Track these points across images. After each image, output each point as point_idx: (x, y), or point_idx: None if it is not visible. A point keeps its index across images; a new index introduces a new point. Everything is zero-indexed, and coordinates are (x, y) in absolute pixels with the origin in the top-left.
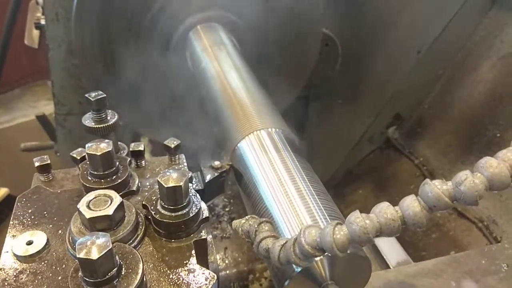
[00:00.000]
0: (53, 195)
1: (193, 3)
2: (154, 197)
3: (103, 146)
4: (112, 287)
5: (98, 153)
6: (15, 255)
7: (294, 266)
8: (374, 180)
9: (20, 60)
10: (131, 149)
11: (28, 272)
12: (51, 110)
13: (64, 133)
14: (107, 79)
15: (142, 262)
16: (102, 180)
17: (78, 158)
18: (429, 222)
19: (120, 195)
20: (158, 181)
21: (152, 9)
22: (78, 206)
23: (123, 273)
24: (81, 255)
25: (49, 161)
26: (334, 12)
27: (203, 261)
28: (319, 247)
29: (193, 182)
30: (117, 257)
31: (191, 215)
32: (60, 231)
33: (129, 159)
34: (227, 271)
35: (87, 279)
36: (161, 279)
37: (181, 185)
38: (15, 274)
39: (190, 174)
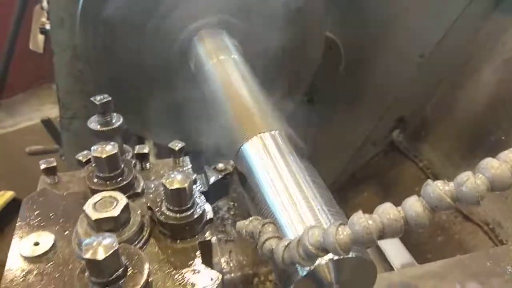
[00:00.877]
0: (59, 197)
1: (198, 8)
2: (159, 199)
3: (109, 149)
4: (118, 287)
5: (104, 156)
6: (22, 256)
7: (299, 269)
8: (378, 183)
9: (25, 65)
10: (135, 152)
11: (35, 273)
12: (56, 114)
13: (69, 136)
14: (111, 84)
15: (148, 263)
16: (108, 182)
17: (84, 160)
18: (431, 223)
19: (125, 197)
20: (162, 183)
21: (156, 14)
22: (84, 208)
23: (129, 273)
24: (88, 255)
25: (55, 164)
26: (336, 15)
27: (208, 262)
28: (322, 248)
29: (197, 184)
30: (123, 257)
31: (195, 216)
32: (66, 233)
33: (134, 161)
34: (232, 274)
35: (93, 280)
36: (166, 279)
37: (185, 187)
38: (22, 274)
39: (194, 176)
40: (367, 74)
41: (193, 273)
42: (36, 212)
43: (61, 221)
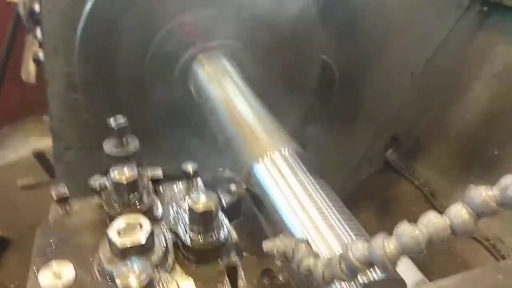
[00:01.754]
0: (76, 225)
1: (195, 33)
2: (182, 223)
3: (129, 173)
4: None
5: (125, 180)
6: None
7: None
8: (375, 204)
9: (11, 97)
10: (148, 175)
11: None
12: (44, 146)
13: (63, 168)
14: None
15: None
16: (127, 207)
17: (97, 187)
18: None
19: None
20: (189, 206)
21: (154, 42)
22: (108, 234)
23: None
24: (122, 284)
25: (67, 193)
26: (328, 37)
27: (234, 286)
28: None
29: None
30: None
31: (221, 239)
32: (86, 261)
33: (150, 184)
34: None
35: None
36: None
37: (212, 209)
38: None
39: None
40: (360, 94)
41: None
42: (51, 241)
43: (79, 250)
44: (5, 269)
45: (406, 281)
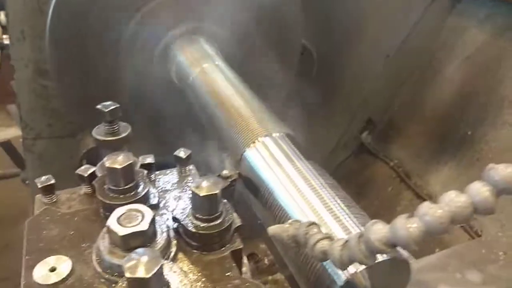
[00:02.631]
0: (66, 216)
1: (173, 16)
2: (183, 209)
3: (123, 159)
4: None
5: (120, 166)
6: (38, 283)
7: (336, 279)
8: (351, 186)
9: None
10: (140, 162)
11: None
12: (11, 135)
13: (33, 158)
14: (86, 98)
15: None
16: (122, 196)
17: (86, 175)
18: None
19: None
20: (192, 191)
21: (131, 24)
22: (108, 224)
23: None
24: (131, 275)
25: (53, 181)
26: (307, 21)
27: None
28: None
29: None
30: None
31: (226, 224)
32: (83, 254)
33: (145, 171)
34: None
35: None
36: None
37: (216, 193)
38: None
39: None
40: (338, 77)
41: (233, 286)
42: (43, 235)
43: (74, 242)
44: None
45: None
